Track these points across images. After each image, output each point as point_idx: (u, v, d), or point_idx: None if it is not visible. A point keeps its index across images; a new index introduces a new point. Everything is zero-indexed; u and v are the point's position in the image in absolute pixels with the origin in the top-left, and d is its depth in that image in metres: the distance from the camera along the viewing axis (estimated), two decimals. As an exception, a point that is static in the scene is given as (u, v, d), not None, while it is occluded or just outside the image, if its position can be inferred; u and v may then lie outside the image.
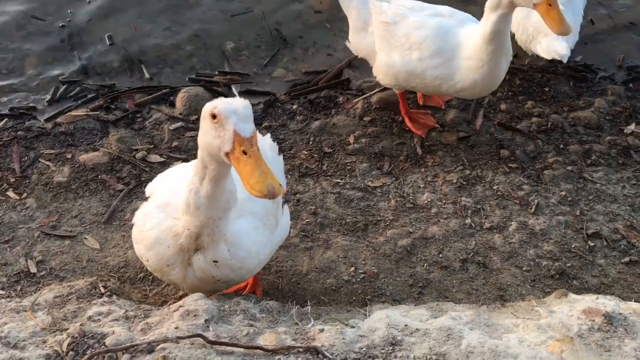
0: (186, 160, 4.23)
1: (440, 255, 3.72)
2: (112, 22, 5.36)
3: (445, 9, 4.24)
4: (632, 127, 4.54)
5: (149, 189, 3.01)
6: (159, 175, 3.14)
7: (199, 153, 2.48)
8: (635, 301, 3.17)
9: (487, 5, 3.81)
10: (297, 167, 4.25)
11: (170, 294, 3.35)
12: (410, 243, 3.78)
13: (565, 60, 4.50)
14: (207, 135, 2.36)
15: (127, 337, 2.32)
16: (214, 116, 2.28)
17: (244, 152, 2.24)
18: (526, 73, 4.99)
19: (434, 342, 2.44)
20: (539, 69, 5.03)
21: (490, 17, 3.81)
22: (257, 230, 2.78)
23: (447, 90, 4.15)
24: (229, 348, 2.30)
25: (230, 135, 2.25)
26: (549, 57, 4.56)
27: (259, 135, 3.35)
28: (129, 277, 3.45)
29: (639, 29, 5.49)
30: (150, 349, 2.23)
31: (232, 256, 2.68)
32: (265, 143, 3.30)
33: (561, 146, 4.42)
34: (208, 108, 2.34)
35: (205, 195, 2.49)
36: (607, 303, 2.65)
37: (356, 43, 4.46)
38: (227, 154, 2.30)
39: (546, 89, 4.87)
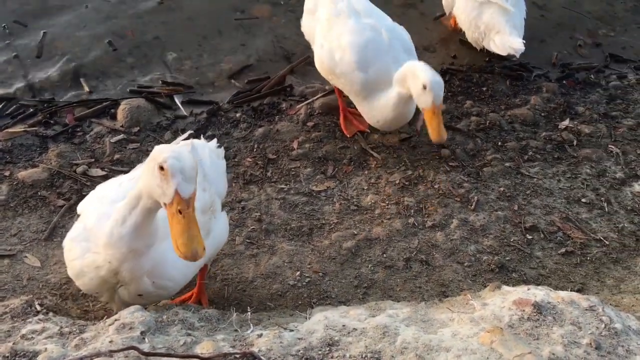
0: (128, 172, 4.19)
1: (385, 255, 3.79)
2: (50, 36, 5.28)
3: (387, 25, 4.32)
4: (566, 122, 4.71)
5: (80, 207, 3.00)
6: (91, 193, 3.13)
7: (140, 186, 2.53)
8: (570, 290, 3.30)
9: (394, 78, 4.03)
10: (241, 175, 4.26)
11: (116, 309, 3.32)
12: (354, 245, 3.83)
13: (518, 55, 4.69)
14: (151, 179, 2.45)
15: (60, 353, 2.29)
16: (161, 168, 2.39)
17: (180, 212, 2.38)
18: (465, 74, 5.12)
19: (370, 341, 2.48)
20: (476, 70, 5.16)
21: (395, 89, 4.07)
22: None
23: (357, 105, 4.33)
24: (164, 358, 2.29)
25: (172, 193, 2.38)
26: (504, 53, 4.74)
27: (202, 142, 3.39)
28: (71, 294, 3.40)
29: (572, 28, 5.70)
30: (83, 364, 2.21)
31: (157, 287, 2.76)
32: (206, 149, 3.32)
33: (499, 143, 4.55)
34: (158, 157, 2.42)
35: (133, 224, 2.55)
36: (538, 293, 2.74)
37: (304, 24, 4.64)
38: (165, 204, 2.43)
39: (484, 89, 5.01)
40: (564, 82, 5.14)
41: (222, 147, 3.50)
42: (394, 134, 4.59)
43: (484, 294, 2.93)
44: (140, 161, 4.31)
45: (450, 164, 4.39)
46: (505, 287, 2.88)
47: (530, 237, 3.91)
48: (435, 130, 3.93)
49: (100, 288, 2.76)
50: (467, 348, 2.38)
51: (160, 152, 2.45)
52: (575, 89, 5.09)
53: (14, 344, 2.37)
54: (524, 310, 2.62)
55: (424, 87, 3.80)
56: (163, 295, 2.86)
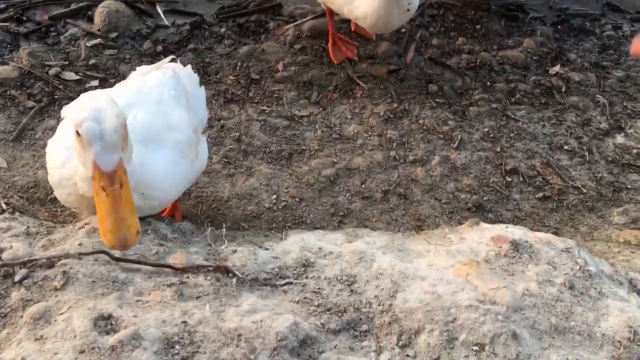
0: (104, 79, 4.01)
1: (363, 185, 3.74)
2: None
3: None
4: (557, 68, 4.63)
5: (65, 110, 2.79)
6: (84, 95, 2.91)
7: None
8: (544, 233, 3.31)
9: None
10: (222, 93, 4.12)
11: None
12: (334, 173, 3.76)
13: None
14: (76, 148, 2.05)
15: (26, 252, 2.21)
16: (78, 134, 1.95)
17: (103, 189, 1.88)
18: (459, 9, 4.96)
19: (345, 265, 2.45)
20: (472, 6, 5.01)
21: None
22: (177, 164, 2.60)
23: (348, 14, 4.07)
24: (135, 266, 2.23)
25: (90, 165, 1.94)
26: None
27: (178, 66, 3.18)
28: (38, 198, 3.29)
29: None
30: (50, 264, 2.14)
31: (147, 199, 2.48)
32: (186, 75, 3.09)
33: (488, 84, 4.46)
34: (73, 117, 1.98)
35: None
36: (515, 231, 2.73)
37: None
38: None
39: (478, 27, 4.87)
40: (559, 27, 5.03)
41: (197, 74, 3.23)
42: (382, 65, 4.46)
43: (461, 229, 2.91)
44: (116, 69, 4.12)
45: (437, 100, 4.30)
46: (483, 224, 2.86)
47: (509, 179, 3.89)
48: None
49: (79, 204, 2.48)
50: (443, 278, 2.37)
51: (75, 109, 2.01)
52: (569, 35, 4.99)
53: (-23, 239, 2.27)
54: (501, 247, 2.61)
55: None
56: (154, 207, 2.60)
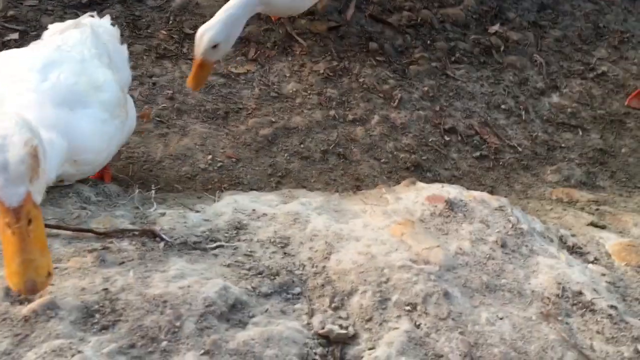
0: (24, 32, 3.74)
1: (302, 145, 3.66)
2: None
3: None
4: (496, 27, 4.62)
5: None
6: None
7: None
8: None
9: None
10: (154, 48, 3.92)
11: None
12: (272, 132, 3.67)
13: None
14: None
15: None
16: None
17: (8, 226, 1.63)
18: (401, -35, 4.86)
19: (279, 226, 2.39)
20: (414, -38, 4.91)
21: None
22: (106, 124, 2.43)
23: None
24: (53, 231, 2.10)
25: None
26: None
27: (95, 20, 2.95)
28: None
29: None
30: (-43, 231, 1.97)
31: (80, 165, 2.32)
32: (105, 33, 2.86)
33: (428, 42, 4.42)
34: None
35: None
36: (451, 191, 2.73)
37: None
38: None
39: (419, -17, 4.79)
40: (499, -15, 5.01)
41: (117, 27, 3.02)
42: (322, 21, 4.34)
43: (398, 189, 2.88)
44: (38, 21, 3.86)
45: (377, 58, 4.23)
46: (420, 184, 2.84)
47: (448, 138, 3.89)
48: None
49: None
50: (378, 239, 2.34)
51: None
52: (509, -6, 4.98)
53: None
54: (436, 206, 2.60)
55: None
56: (86, 172, 2.46)
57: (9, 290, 1.78)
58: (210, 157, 3.49)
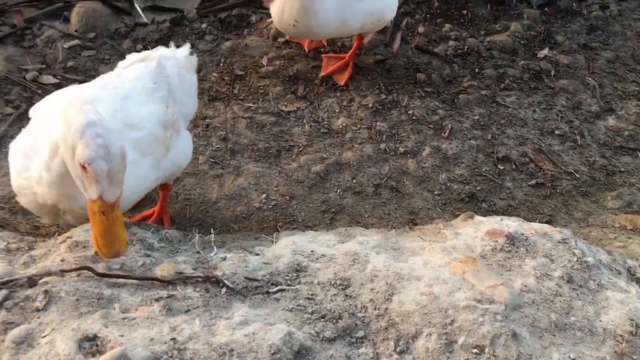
0: (83, 82, 3.90)
1: (354, 180, 3.67)
2: None
3: None
4: (545, 51, 4.56)
5: (33, 111, 2.71)
6: (48, 97, 2.82)
7: (58, 138, 2.19)
8: (539, 222, 3.25)
9: None
10: (206, 91, 4.02)
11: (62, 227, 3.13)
12: (323, 169, 3.69)
13: None
14: (70, 161, 2.12)
15: (6, 271, 2.12)
16: (83, 167, 2.05)
17: (103, 214, 2.08)
18: (445, -5, 4.88)
19: (339, 267, 2.39)
20: (457, -9, 4.93)
21: None
22: (135, 164, 2.50)
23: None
24: (121, 280, 2.15)
25: (95, 196, 2.08)
26: None
27: (167, 51, 3.08)
28: (20, 208, 3.17)
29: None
30: (32, 283, 2.05)
31: None
32: (176, 65, 2.99)
33: (476, 70, 4.39)
34: (79, 152, 2.04)
35: (57, 173, 2.26)
36: (511, 224, 2.67)
37: None
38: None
39: (464, 12, 4.80)
40: (546, 9, 4.96)
41: (195, 56, 3.16)
42: (368, 55, 4.38)
43: (456, 223, 2.84)
44: (95, 70, 4.02)
45: (425, 89, 4.23)
46: (477, 217, 2.80)
47: (502, 167, 3.83)
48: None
49: (39, 212, 2.49)
50: (439, 277, 2.31)
51: (82, 138, 2.05)
52: (556, 17, 4.93)
53: (-45, 260, 2.19)
54: (496, 241, 2.55)
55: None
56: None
57: (82, 342, 1.83)
58: (264, 196, 3.53)
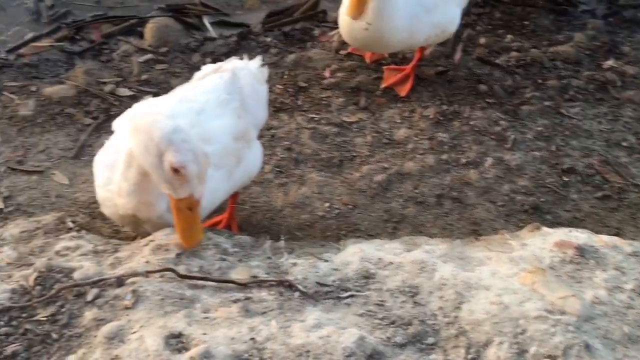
0: (157, 94, 4.09)
1: (416, 190, 3.71)
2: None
3: None
4: (610, 62, 4.50)
5: (116, 124, 2.86)
6: (136, 106, 2.97)
7: (132, 149, 2.34)
8: (606, 234, 3.21)
9: None
10: (271, 102, 4.13)
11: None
12: (385, 179, 3.74)
13: None
14: (155, 169, 2.28)
15: (95, 271, 2.27)
16: (176, 170, 2.24)
17: (189, 209, 2.33)
18: (506, 6, 4.89)
19: (407, 275, 2.44)
20: (519, 2, 4.91)
21: None
22: (209, 177, 2.57)
23: None
24: (200, 282, 2.27)
25: (185, 195, 2.30)
26: None
27: (240, 63, 3.22)
28: (100, 213, 3.36)
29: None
30: (120, 282, 2.19)
31: None
32: (248, 76, 3.10)
33: (539, 81, 4.37)
34: (172, 157, 2.22)
35: (134, 182, 2.40)
36: (580, 236, 2.67)
37: None
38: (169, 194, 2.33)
39: (526, 23, 4.78)
40: (611, 19, 4.90)
41: (265, 67, 3.28)
42: (429, 66, 4.42)
43: (522, 234, 2.85)
44: (168, 83, 4.20)
45: (487, 100, 4.24)
46: (545, 229, 2.80)
47: (566, 179, 3.80)
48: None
49: (121, 221, 2.65)
50: (508, 287, 2.33)
51: (171, 145, 2.21)
52: (621, 27, 4.85)
53: (49, 259, 2.35)
54: (565, 253, 2.55)
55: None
56: None
57: (168, 339, 1.95)
58: (327, 204, 3.61)
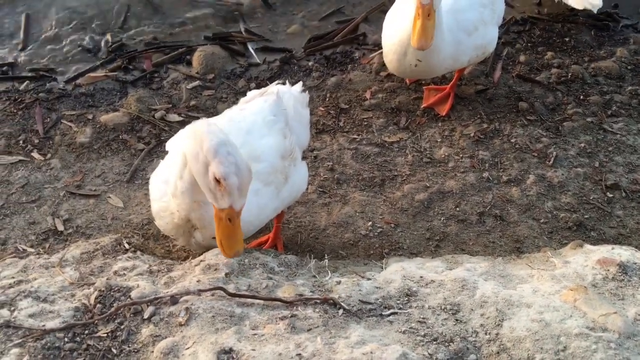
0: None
1: (457, 209, 3.75)
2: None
3: None
4: (654, 76, 4.46)
5: (169, 144, 3.03)
6: (180, 132, 3.15)
7: (186, 154, 2.47)
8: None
9: None
10: (314, 124, 4.27)
11: (194, 251, 3.44)
12: (427, 197, 3.80)
13: (596, 10, 4.48)
14: (201, 176, 2.40)
15: (151, 290, 2.41)
16: (218, 181, 2.34)
17: (229, 220, 2.40)
18: (546, 23, 4.90)
19: (448, 293, 2.49)
20: (559, 19, 4.92)
21: None
22: (257, 193, 2.78)
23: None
24: (249, 300, 2.38)
25: (226, 206, 2.38)
26: (581, 7, 4.53)
27: (283, 87, 3.36)
28: (152, 234, 3.54)
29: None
30: (174, 300, 2.32)
31: None
32: (291, 98, 3.24)
33: (581, 97, 4.36)
34: (215, 168, 2.33)
35: (189, 180, 2.53)
36: (622, 253, 2.67)
37: None
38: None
39: (566, 39, 4.78)
40: (654, 33, 4.84)
41: (307, 93, 3.42)
42: (469, 85, 4.47)
43: (564, 251, 2.87)
44: (215, 108, 4.38)
45: (528, 117, 4.25)
46: (587, 246, 2.81)
47: (611, 195, 3.78)
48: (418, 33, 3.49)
49: (176, 232, 2.78)
50: (549, 305, 2.35)
51: (215, 157, 2.34)
52: (665, 40, 4.79)
53: (108, 279, 2.50)
54: (608, 270, 2.56)
55: None
56: None
57: (220, 355, 2.06)
58: (370, 223, 3.69)
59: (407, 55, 3.82)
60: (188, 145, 2.46)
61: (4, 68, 4.70)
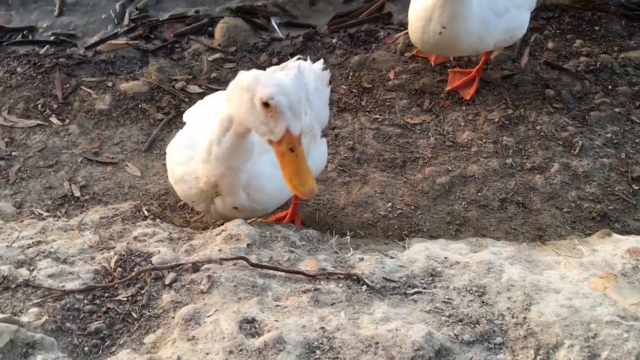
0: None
1: (479, 194, 3.69)
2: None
3: None
4: (686, 69, 4.36)
5: (187, 115, 3.00)
6: (198, 103, 3.12)
7: (230, 113, 2.41)
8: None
9: None
10: (335, 102, 4.20)
11: (210, 222, 3.40)
12: (448, 181, 3.74)
13: None
14: (250, 115, 2.31)
15: (172, 257, 2.36)
16: (266, 104, 2.24)
17: (291, 150, 2.28)
18: (576, 10, 4.79)
19: (474, 275, 2.44)
20: (590, 7, 4.81)
21: None
22: (278, 167, 2.66)
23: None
24: (271, 271, 2.33)
25: (282, 132, 2.26)
26: None
27: (304, 62, 3.31)
28: (169, 204, 3.50)
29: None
30: (195, 268, 2.28)
31: (252, 200, 2.68)
32: (311, 74, 3.20)
33: (609, 87, 4.27)
34: (258, 90, 2.25)
35: (228, 145, 2.47)
36: (653, 244, 2.60)
37: None
38: (270, 141, 2.32)
39: (596, 28, 4.68)
40: (687, 25, 4.73)
41: (328, 71, 3.36)
42: (495, 70, 4.38)
43: (591, 240, 2.80)
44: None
45: (554, 105, 4.17)
46: (616, 235, 2.74)
47: (636, 187, 3.70)
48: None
49: (197, 197, 2.73)
50: (578, 292, 2.30)
51: (258, 83, 2.26)
52: (698, 33, 4.68)
53: (128, 244, 2.46)
54: (638, 260, 2.50)
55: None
56: (257, 210, 2.80)
57: (242, 324, 2.02)
58: (390, 204, 3.63)
59: (431, 21, 3.73)
60: (232, 98, 2.39)
61: (25, 32, 4.64)
